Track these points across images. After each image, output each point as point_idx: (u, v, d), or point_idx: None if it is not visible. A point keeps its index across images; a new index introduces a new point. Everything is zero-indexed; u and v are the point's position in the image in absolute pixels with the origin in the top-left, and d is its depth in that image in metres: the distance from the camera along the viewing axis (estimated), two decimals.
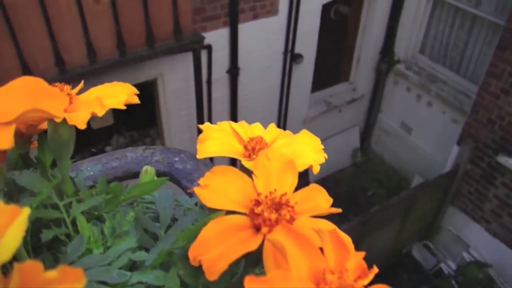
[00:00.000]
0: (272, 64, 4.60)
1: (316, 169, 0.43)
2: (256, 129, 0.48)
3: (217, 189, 0.35)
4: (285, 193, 0.35)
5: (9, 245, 0.23)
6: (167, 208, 0.45)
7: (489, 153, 4.21)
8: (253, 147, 0.44)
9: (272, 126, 0.50)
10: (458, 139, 4.50)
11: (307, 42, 4.70)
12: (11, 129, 0.26)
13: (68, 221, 0.39)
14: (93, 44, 3.12)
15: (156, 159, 0.64)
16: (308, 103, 5.31)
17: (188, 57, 3.76)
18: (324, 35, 4.87)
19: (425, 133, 5.37)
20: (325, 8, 4.69)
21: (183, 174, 0.62)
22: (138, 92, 0.44)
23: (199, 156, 0.41)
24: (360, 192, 5.68)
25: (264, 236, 0.33)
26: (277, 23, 4.34)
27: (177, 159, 0.64)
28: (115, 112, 4.24)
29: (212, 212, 0.35)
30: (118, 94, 0.42)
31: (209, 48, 3.97)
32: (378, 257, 4.66)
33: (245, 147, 0.45)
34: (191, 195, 0.53)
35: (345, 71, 5.68)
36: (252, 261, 0.34)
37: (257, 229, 0.34)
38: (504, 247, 4.31)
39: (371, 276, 0.30)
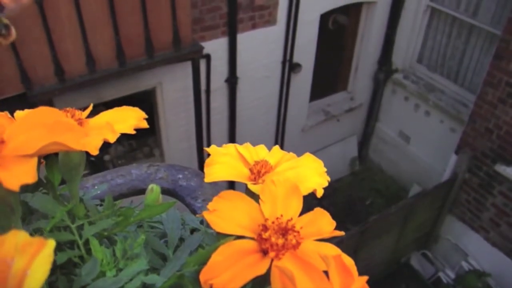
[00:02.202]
0: (271, 73, 4.62)
1: (319, 193, 0.44)
2: (260, 152, 0.49)
3: (225, 214, 0.37)
4: (291, 218, 0.37)
5: (37, 277, 0.24)
6: (175, 229, 0.46)
7: (487, 162, 4.23)
8: (259, 171, 0.45)
9: (276, 148, 0.51)
10: (456, 148, 4.52)
11: (306, 52, 4.74)
12: (34, 162, 0.27)
13: (80, 243, 0.40)
14: (92, 54, 3.14)
15: (160, 176, 0.65)
16: (307, 112, 5.33)
17: (187, 66, 3.79)
18: (322, 45, 4.90)
19: (423, 142, 5.39)
20: (323, 18, 4.73)
21: (187, 192, 0.63)
22: (146, 116, 0.45)
23: (207, 180, 0.43)
24: (358, 201, 5.69)
25: (272, 260, 0.35)
26: (275, 32, 4.37)
27: (181, 176, 0.65)
28: None
29: (221, 236, 0.36)
30: (127, 118, 0.44)
31: (208, 57, 3.99)
32: (376, 266, 4.66)
33: (251, 170, 0.46)
34: (196, 212, 0.54)
35: (343, 80, 5.71)
36: (259, 283, 0.35)
37: (265, 252, 0.36)
38: (502, 256, 4.31)
39: None
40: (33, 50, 2.90)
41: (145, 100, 4.13)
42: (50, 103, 3.17)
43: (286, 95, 4.85)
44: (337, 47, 5.48)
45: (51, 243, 0.25)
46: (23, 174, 0.26)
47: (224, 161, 0.45)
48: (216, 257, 0.34)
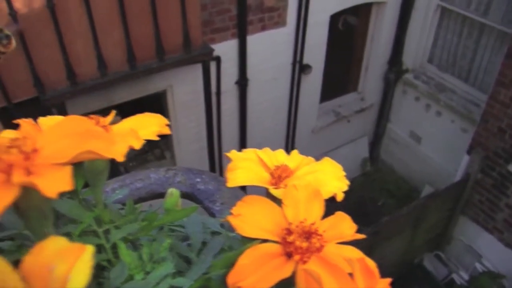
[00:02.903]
0: (281, 75, 4.63)
1: (339, 197, 0.45)
2: (279, 156, 0.50)
3: (249, 218, 0.38)
4: (314, 222, 0.38)
5: (78, 282, 0.25)
6: (197, 232, 0.47)
7: (500, 162, 4.19)
8: (279, 175, 0.46)
9: (295, 152, 0.52)
10: (468, 148, 4.48)
11: (316, 53, 4.73)
12: (69, 170, 0.28)
13: (107, 247, 0.41)
14: (103, 57, 3.16)
15: (178, 180, 0.66)
16: (317, 113, 5.32)
17: (197, 68, 3.80)
18: (332, 46, 4.90)
19: (435, 143, 5.36)
20: (333, 19, 4.72)
21: (205, 195, 0.64)
22: (168, 123, 0.46)
23: (230, 185, 0.43)
24: (370, 202, 5.66)
25: (297, 263, 0.35)
26: (285, 34, 4.37)
27: (198, 180, 0.66)
28: None
29: (246, 240, 0.37)
30: (150, 125, 0.44)
31: (218, 59, 4.01)
32: (388, 268, 4.63)
33: (271, 175, 0.47)
34: (214, 215, 0.55)
35: (354, 81, 5.70)
36: (284, 285, 0.36)
37: (289, 256, 0.36)
38: None
39: None
40: (45, 55, 2.93)
41: (155, 102, 4.15)
42: (62, 107, 3.20)
43: (296, 96, 4.85)
44: (347, 48, 5.46)
45: (90, 249, 0.26)
46: (60, 181, 0.27)
47: (245, 166, 0.46)
48: (243, 261, 0.35)
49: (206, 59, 3.71)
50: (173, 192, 0.51)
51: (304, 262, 0.35)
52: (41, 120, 0.47)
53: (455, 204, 4.69)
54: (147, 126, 0.44)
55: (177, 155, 4.51)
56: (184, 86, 4.03)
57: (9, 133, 0.44)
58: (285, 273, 0.34)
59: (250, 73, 4.32)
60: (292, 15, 4.29)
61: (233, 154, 0.48)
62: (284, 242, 0.37)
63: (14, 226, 0.40)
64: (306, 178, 0.45)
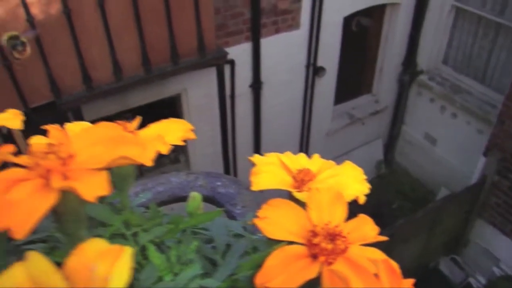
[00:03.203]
0: (295, 77, 4.63)
1: (361, 200, 0.46)
2: (301, 160, 0.51)
3: (275, 221, 0.39)
4: (338, 224, 0.38)
5: (119, 282, 0.26)
6: (221, 235, 0.48)
7: None
8: (302, 179, 0.47)
9: (316, 156, 0.53)
10: (484, 150, 4.43)
11: (329, 55, 4.73)
12: (106, 175, 0.29)
13: (136, 249, 0.42)
14: (119, 61, 3.19)
15: (200, 184, 0.67)
16: (331, 115, 5.31)
17: (212, 72, 3.82)
18: (346, 48, 4.89)
19: (450, 144, 5.30)
20: (347, 20, 4.72)
21: (226, 198, 0.65)
22: (193, 128, 0.47)
23: (254, 188, 0.44)
24: (385, 205, 5.62)
25: (322, 264, 0.36)
26: (299, 36, 4.38)
27: (219, 183, 0.67)
28: None
29: (272, 242, 0.38)
30: (175, 130, 0.46)
31: (232, 63, 4.02)
32: (404, 271, 4.57)
33: (294, 178, 0.48)
34: (235, 218, 0.56)
35: (368, 83, 5.68)
36: (310, 285, 0.36)
37: (314, 257, 0.37)
38: None
39: None
40: (61, 60, 2.97)
41: (170, 106, 4.18)
42: (78, 111, 3.25)
43: (310, 99, 4.85)
44: (361, 50, 5.45)
45: (129, 250, 0.28)
46: (98, 186, 0.29)
47: (269, 170, 0.47)
48: (270, 262, 0.36)
49: (221, 63, 3.73)
50: (195, 196, 0.52)
51: (329, 264, 0.37)
52: (68, 125, 0.49)
53: (471, 206, 4.63)
54: (172, 132, 0.45)
55: (191, 159, 4.53)
56: (199, 90, 4.05)
57: (39, 139, 0.45)
58: (311, 273, 0.35)
59: (264, 76, 4.33)
60: (306, 17, 4.30)
61: (256, 158, 0.49)
62: (309, 244, 0.38)
63: (45, 228, 0.42)
64: (329, 181, 0.46)
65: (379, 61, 5.46)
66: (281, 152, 0.52)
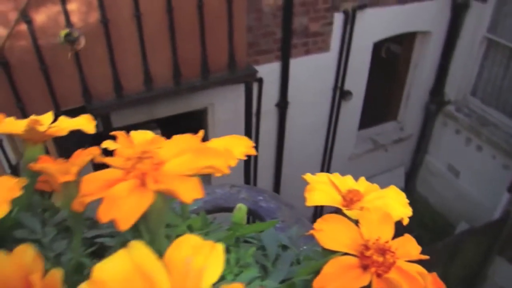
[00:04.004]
0: (321, 99, 4.67)
1: (405, 221, 0.49)
2: (348, 181, 0.55)
3: (329, 233, 0.43)
4: (388, 241, 0.42)
5: (213, 273, 0.30)
6: (272, 244, 0.52)
7: None
8: (351, 198, 0.51)
9: (362, 179, 0.57)
10: (508, 185, 4.36)
11: (357, 80, 4.76)
12: (198, 180, 0.33)
13: None
14: (150, 72, 3.27)
15: (243, 197, 0.71)
16: (355, 140, 5.31)
17: (239, 88, 3.88)
18: (374, 73, 4.91)
19: (474, 178, 5.23)
20: (376, 46, 4.75)
21: (267, 212, 0.69)
22: (254, 145, 0.51)
23: (308, 204, 0.48)
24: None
25: (372, 274, 0.41)
26: (328, 59, 4.43)
27: (261, 198, 0.71)
28: None
29: (327, 252, 0.42)
30: (238, 146, 0.50)
31: (260, 81, 4.08)
32: None
33: (343, 197, 0.52)
34: (279, 231, 0.59)
35: (394, 110, 5.67)
36: None
37: (364, 268, 0.42)
38: None
39: None
40: (95, 67, 3.07)
41: (195, 119, 4.25)
42: (107, 117, 3.33)
43: (335, 122, 4.87)
44: (389, 76, 5.46)
45: (220, 246, 0.31)
46: (194, 189, 0.33)
47: (322, 188, 0.51)
48: (328, 269, 0.40)
49: (250, 80, 3.80)
50: (241, 207, 0.56)
51: (379, 275, 0.41)
52: (133, 133, 0.53)
53: (492, 242, 4.54)
54: (236, 147, 0.49)
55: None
56: (225, 105, 4.11)
57: (109, 144, 0.50)
58: (363, 282, 0.40)
59: (291, 96, 4.38)
60: (336, 40, 4.35)
61: (308, 177, 0.53)
62: (361, 256, 0.43)
63: (112, 224, 0.46)
64: (375, 202, 0.49)
65: (407, 88, 5.46)
66: (302, 172, 0.57)
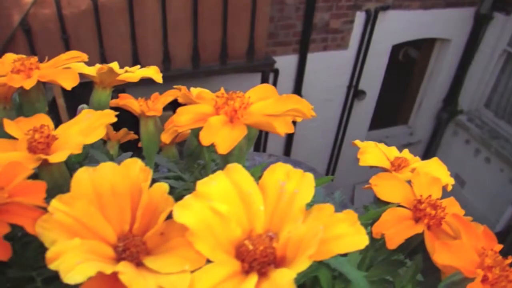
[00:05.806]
0: (335, 96, 4.68)
1: (449, 188, 0.54)
2: (393, 151, 0.59)
3: (385, 188, 0.48)
4: (438, 198, 0.46)
5: (305, 195, 0.34)
6: (321, 201, 0.56)
7: None
8: (399, 164, 0.55)
9: (406, 151, 0.61)
10: None
11: (372, 80, 4.77)
12: (289, 119, 0.37)
13: None
14: (170, 54, 3.31)
15: None
16: (364, 140, 5.29)
17: (255, 77, 3.90)
18: (389, 75, 4.92)
19: (479, 189, 5.24)
20: (395, 49, 4.76)
21: None
22: (312, 106, 0.54)
23: (362, 163, 0.53)
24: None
25: (425, 225, 0.46)
26: (345, 57, 4.44)
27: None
28: None
29: (383, 203, 0.46)
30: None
31: (276, 72, 4.10)
32: None
33: (392, 163, 0.56)
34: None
35: (405, 114, 5.68)
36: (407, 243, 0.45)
37: (416, 220, 0.47)
38: None
39: None
40: (115, 42, 3.10)
41: None
42: (122, 92, 3.37)
43: (346, 120, 4.89)
44: (404, 80, 5.47)
45: (311, 174, 0.35)
46: (287, 125, 0.37)
47: (372, 152, 0.55)
48: (385, 217, 0.46)
49: (267, 70, 3.82)
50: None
51: (429, 227, 0.46)
52: (193, 90, 0.58)
53: None
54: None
55: None
56: None
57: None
58: (418, 230, 0.45)
59: (305, 90, 4.40)
60: (355, 39, 4.36)
61: (359, 142, 0.58)
62: (415, 209, 0.47)
63: (171, 168, 0.50)
64: (422, 170, 0.54)
65: (420, 94, 5.47)
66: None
